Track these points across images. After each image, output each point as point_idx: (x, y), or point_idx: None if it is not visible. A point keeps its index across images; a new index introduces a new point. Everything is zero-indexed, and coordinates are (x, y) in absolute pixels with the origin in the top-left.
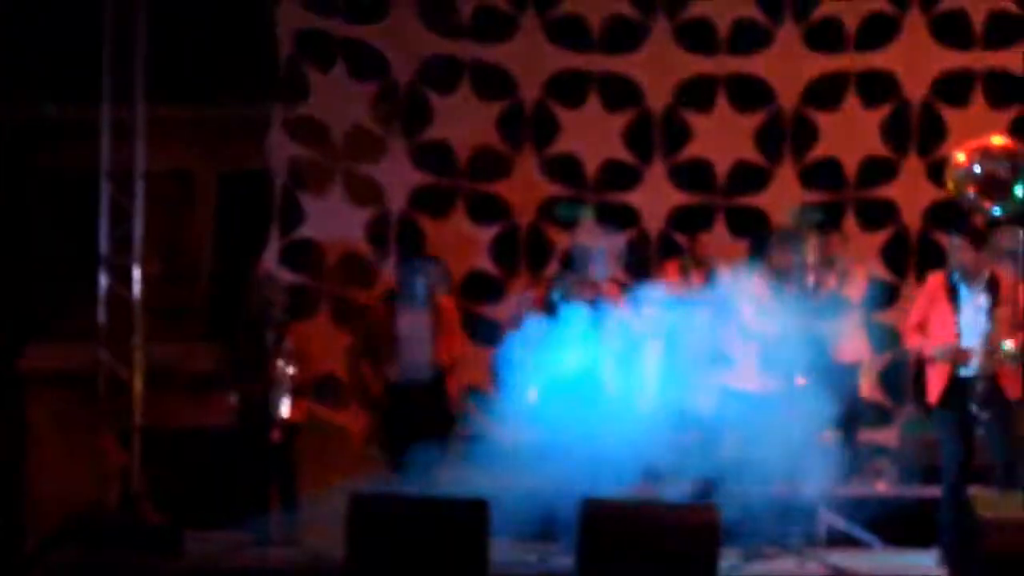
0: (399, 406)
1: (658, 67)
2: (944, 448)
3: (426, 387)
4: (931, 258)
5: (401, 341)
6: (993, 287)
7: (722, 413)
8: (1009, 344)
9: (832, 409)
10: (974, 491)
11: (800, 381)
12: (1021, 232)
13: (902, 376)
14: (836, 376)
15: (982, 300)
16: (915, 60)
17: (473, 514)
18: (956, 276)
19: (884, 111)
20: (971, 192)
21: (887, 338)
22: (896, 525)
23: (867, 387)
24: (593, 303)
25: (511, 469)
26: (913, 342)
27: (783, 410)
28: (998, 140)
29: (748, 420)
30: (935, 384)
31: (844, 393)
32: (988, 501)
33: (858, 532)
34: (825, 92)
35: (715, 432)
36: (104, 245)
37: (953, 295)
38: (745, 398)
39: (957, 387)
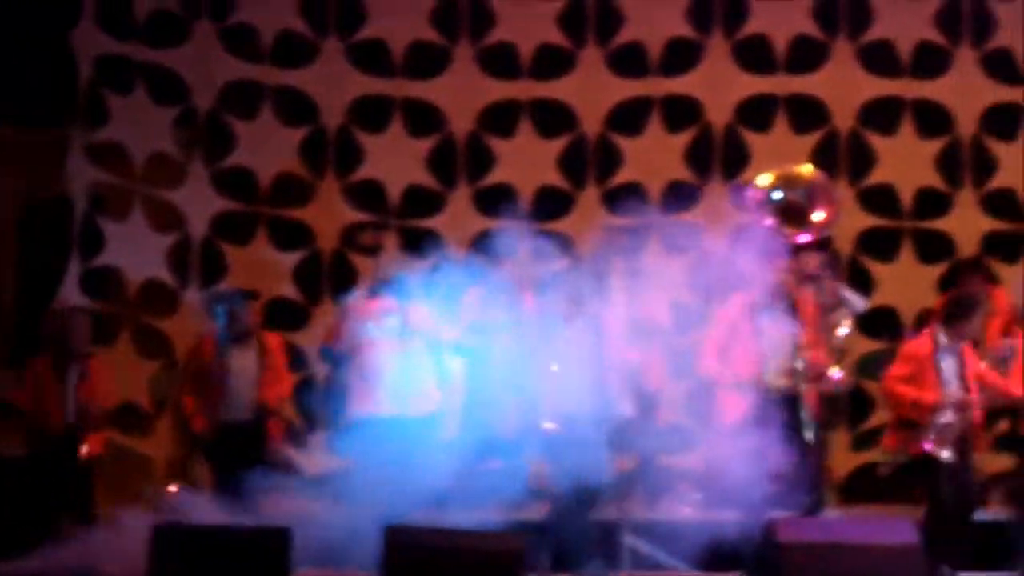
0: (221, 442)
1: (461, 92)
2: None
3: (249, 426)
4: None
5: (229, 379)
6: (795, 311)
7: (526, 438)
8: (801, 364)
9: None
10: (777, 515)
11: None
12: (820, 257)
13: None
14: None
15: (785, 324)
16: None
17: (276, 543)
18: (760, 300)
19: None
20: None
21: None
22: (699, 549)
23: (667, 412)
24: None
25: (320, 497)
26: (710, 367)
27: (583, 434)
28: (801, 169)
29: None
30: (732, 408)
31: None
32: (790, 525)
33: (662, 556)
34: (629, 118)
35: (518, 458)
36: None
37: (756, 319)
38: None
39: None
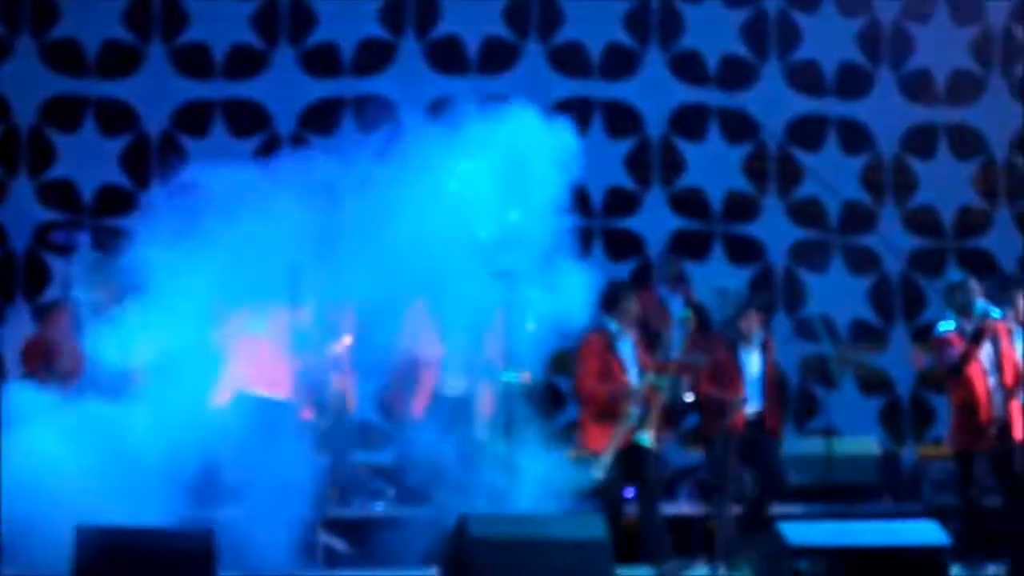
0: None
1: (153, 92)
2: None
3: None
4: None
5: None
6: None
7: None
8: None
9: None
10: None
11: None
12: None
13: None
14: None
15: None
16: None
17: (200, 545)
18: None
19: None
20: None
21: None
22: (393, 546)
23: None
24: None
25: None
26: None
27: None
28: None
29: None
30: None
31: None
32: (482, 520)
33: (351, 551)
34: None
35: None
36: None
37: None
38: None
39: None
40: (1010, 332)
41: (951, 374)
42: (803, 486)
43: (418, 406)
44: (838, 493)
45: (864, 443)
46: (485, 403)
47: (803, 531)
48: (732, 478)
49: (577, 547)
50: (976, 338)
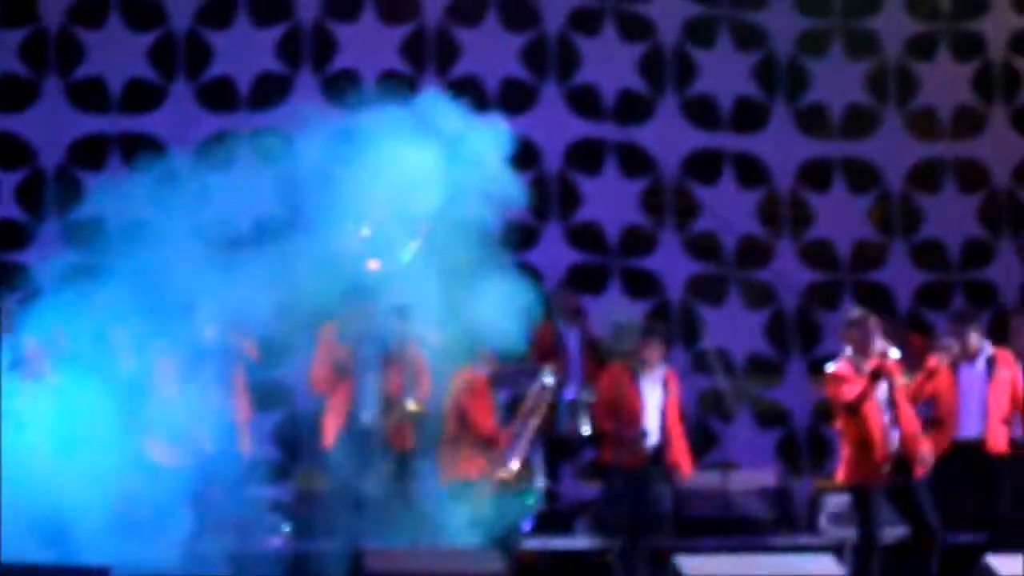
0: None
1: (50, 126)
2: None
3: None
4: None
5: None
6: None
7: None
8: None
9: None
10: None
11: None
12: None
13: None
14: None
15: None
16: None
17: None
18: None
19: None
20: None
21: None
22: None
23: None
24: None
25: None
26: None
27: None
28: None
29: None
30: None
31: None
32: (378, 555)
33: None
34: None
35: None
36: None
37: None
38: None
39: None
40: (901, 370)
41: (847, 411)
42: (700, 519)
43: (328, 438)
44: (734, 526)
45: (760, 476)
46: (390, 434)
47: (699, 564)
48: (627, 513)
49: None
50: (875, 376)
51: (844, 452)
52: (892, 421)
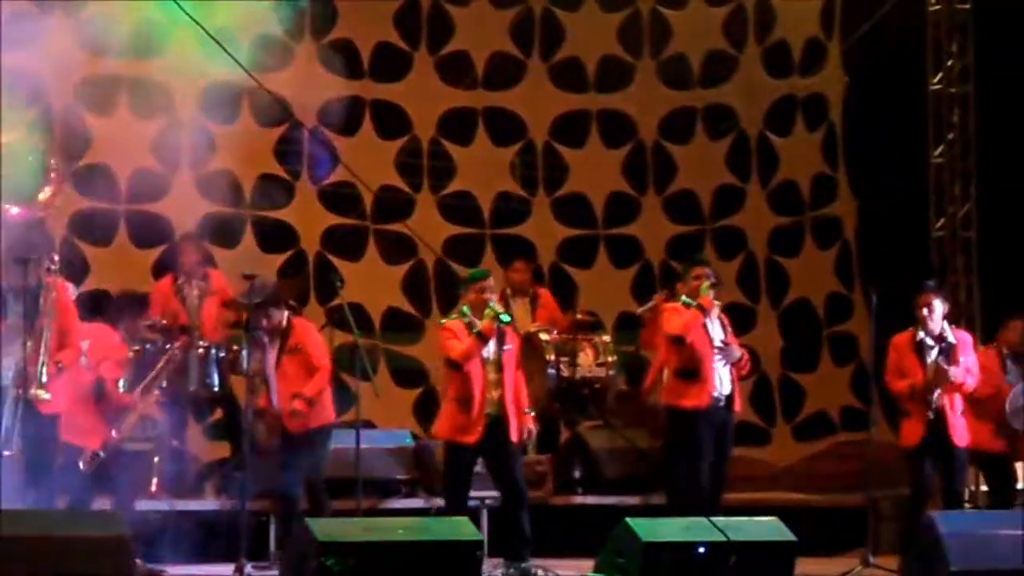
0: None
1: None
2: None
3: None
4: None
5: None
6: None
7: None
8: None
9: None
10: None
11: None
12: None
13: None
14: None
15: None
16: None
17: None
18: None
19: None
20: None
21: None
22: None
23: None
24: None
25: None
26: None
27: None
28: None
29: None
30: None
31: None
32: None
33: None
34: None
35: None
36: None
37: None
38: None
39: None
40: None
41: (450, 367)
42: (335, 480)
43: None
44: (371, 487)
45: (398, 436)
46: None
47: (329, 528)
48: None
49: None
50: (482, 337)
51: (443, 407)
52: (496, 383)
